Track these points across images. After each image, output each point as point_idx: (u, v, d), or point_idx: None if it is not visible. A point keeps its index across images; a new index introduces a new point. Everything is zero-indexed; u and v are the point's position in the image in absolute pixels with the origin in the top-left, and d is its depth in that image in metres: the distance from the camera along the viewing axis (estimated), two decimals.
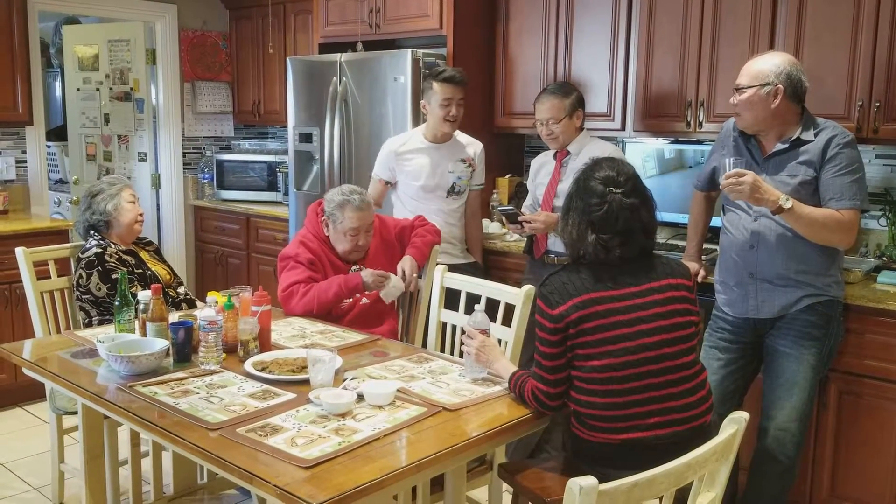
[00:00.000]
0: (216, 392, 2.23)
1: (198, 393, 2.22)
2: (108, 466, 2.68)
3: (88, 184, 3.76)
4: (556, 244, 3.36)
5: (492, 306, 2.70)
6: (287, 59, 4.69)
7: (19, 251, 3.16)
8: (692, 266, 3.00)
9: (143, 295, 2.61)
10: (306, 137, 4.57)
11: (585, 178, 2.16)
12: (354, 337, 2.81)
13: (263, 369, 2.36)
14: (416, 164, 3.62)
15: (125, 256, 3.17)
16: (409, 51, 3.97)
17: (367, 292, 3.09)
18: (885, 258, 3.22)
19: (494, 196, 4.27)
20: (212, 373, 2.37)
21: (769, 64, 2.59)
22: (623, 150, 3.80)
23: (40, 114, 4.92)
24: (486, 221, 4.06)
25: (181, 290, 3.32)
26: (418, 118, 3.81)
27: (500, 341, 2.69)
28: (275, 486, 1.70)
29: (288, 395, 2.20)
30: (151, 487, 3.01)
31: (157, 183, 5.77)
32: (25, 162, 4.97)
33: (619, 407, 2.03)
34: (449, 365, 2.52)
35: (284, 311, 3.04)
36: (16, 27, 4.47)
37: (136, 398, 2.19)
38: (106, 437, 2.65)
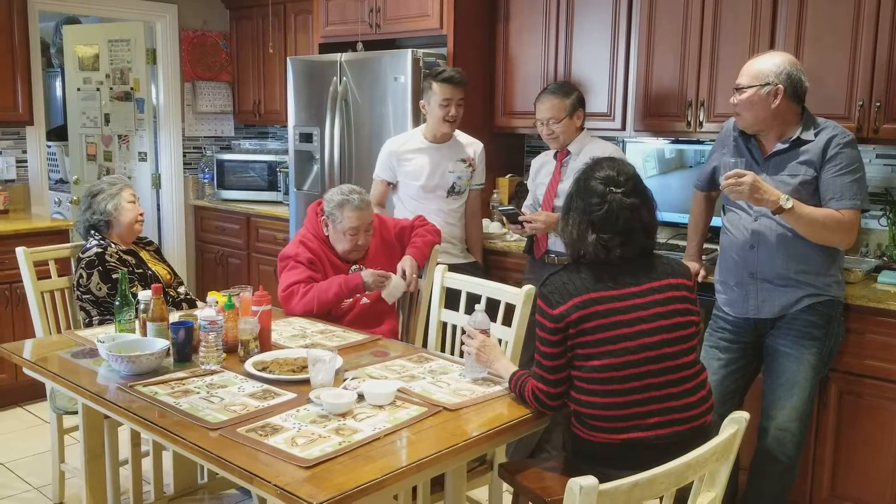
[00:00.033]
0: (216, 392, 2.23)
1: (198, 393, 2.22)
2: (109, 466, 2.68)
3: (89, 184, 3.75)
4: (556, 244, 3.36)
5: (492, 306, 2.70)
6: (287, 58, 4.69)
7: (20, 251, 3.16)
8: (692, 266, 3.00)
9: (144, 295, 2.61)
10: (307, 137, 4.57)
11: (586, 178, 2.16)
12: (355, 337, 2.81)
13: (264, 369, 2.36)
14: (416, 164, 3.62)
15: (125, 256, 3.17)
16: (410, 51, 3.97)
17: (367, 292, 3.09)
18: (885, 258, 3.22)
19: (495, 196, 4.27)
20: (212, 373, 2.37)
21: (769, 64, 2.59)
22: (623, 149, 3.80)
23: (41, 114, 4.92)
24: (486, 221, 4.06)
25: (181, 289, 3.32)
26: (418, 118, 3.81)
27: (500, 341, 2.69)
28: (275, 485, 1.70)
29: (288, 395, 2.20)
30: (152, 487, 3.01)
31: (157, 183, 5.77)
32: (26, 162, 4.97)
33: (619, 407, 2.03)
34: (449, 365, 2.52)
35: (284, 311, 3.04)
36: (16, 27, 4.47)
37: (137, 398, 2.19)
38: (106, 436, 2.65)
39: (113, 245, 3.17)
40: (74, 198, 5.81)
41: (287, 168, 5.03)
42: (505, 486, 2.54)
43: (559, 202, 3.10)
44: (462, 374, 2.41)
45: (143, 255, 3.29)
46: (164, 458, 3.04)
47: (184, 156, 5.80)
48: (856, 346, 2.87)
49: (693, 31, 3.46)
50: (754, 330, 2.74)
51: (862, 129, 3.02)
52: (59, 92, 7.20)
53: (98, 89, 5.81)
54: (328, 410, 2.07)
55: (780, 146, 2.64)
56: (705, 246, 3.16)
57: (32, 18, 4.75)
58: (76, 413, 2.67)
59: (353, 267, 3.13)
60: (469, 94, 3.69)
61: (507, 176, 4.34)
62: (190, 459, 2.46)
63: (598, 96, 3.79)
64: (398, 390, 2.20)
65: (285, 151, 5.36)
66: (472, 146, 3.71)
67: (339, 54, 4.34)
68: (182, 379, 2.32)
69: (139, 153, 5.76)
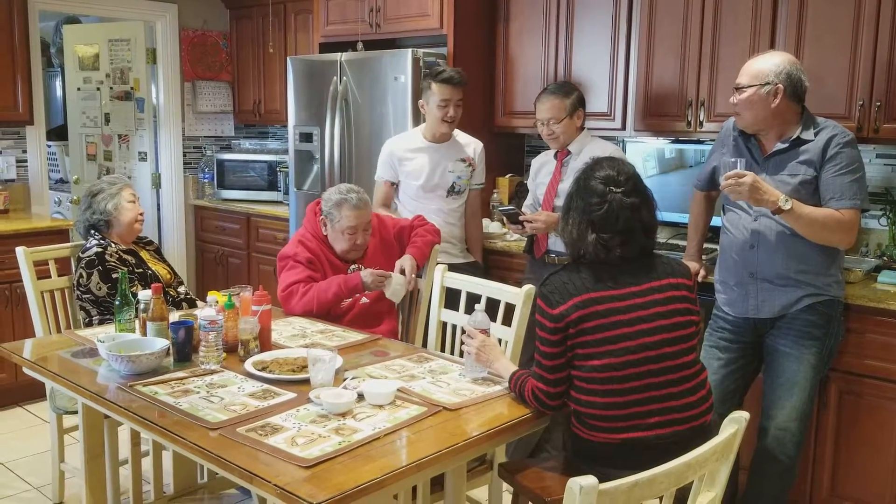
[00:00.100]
0: (216, 391, 2.23)
1: (198, 392, 2.22)
2: (109, 466, 2.68)
3: (89, 183, 3.76)
4: (556, 244, 3.36)
5: (492, 306, 2.70)
6: (287, 58, 4.69)
7: (20, 251, 3.16)
8: (692, 266, 3.00)
9: (144, 294, 2.61)
10: (307, 137, 4.57)
11: (586, 178, 2.16)
12: (355, 336, 2.81)
13: (264, 369, 2.36)
14: (415, 163, 3.62)
15: (125, 256, 3.17)
16: (410, 50, 3.97)
17: (366, 292, 3.09)
18: (885, 258, 3.22)
19: (495, 196, 4.27)
20: (212, 372, 2.37)
21: (769, 63, 2.59)
22: (623, 149, 3.80)
23: (41, 113, 4.92)
24: (486, 221, 4.06)
25: (181, 289, 3.32)
26: (419, 118, 3.81)
27: (500, 341, 2.69)
28: (275, 485, 1.70)
29: (288, 395, 2.20)
30: (152, 487, 3.01)
31: (157, 182, 5.77)
32: (26, 161, 4.97)
33: (619, 406, 2.03)
34: (449, 364, 2.52)
35: (284, 311, 3.04)
36: (16, 27, 4.47)
37: (137, 398, 2.19)
38: (106, 436, 2.65)
39: (113, 245, 3.17)
40: (74, 197, 5.81)
41: (287, 168, 5.03)
42: (505, 485, 2.54)
43: (559, 202, 3.10)
44: (462, 373, 2.41)
45: (143, 254, 3.29)
46: (164, 458, 3.04)
47: (184, 155, 5.80)
48: (856, 346, 2.87)
49: (693, 30, 3.45)
50: (754, 330, 2.74)
51: (862, 128, 3.02)
52: (59, 91, 7.20)
53: (98, 89, 5.81)
54: (328, 410, 2.07)
55: (779, 146, 2.64)
56: (705, 246, 3.16)
57: (32, 18, 4.75)
58: (76, 413, 2.67)
59: (352, 267, 3.13)
60: (469, 93, 3.69)
61: (508, 176, 4.34)
62: (190, 459, 2.45)
63: (599, 96, 3.79)
64: (398, 390, 2.20)
65: (285, 151, 5.36)
66: (472, 146, 3.71)
67: (340, 54, 4.34)
68: (182, 379, 2.32)
69: (139, 153, 5.76)
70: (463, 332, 2.44)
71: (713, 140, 3.08)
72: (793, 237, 2.59)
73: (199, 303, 3.26)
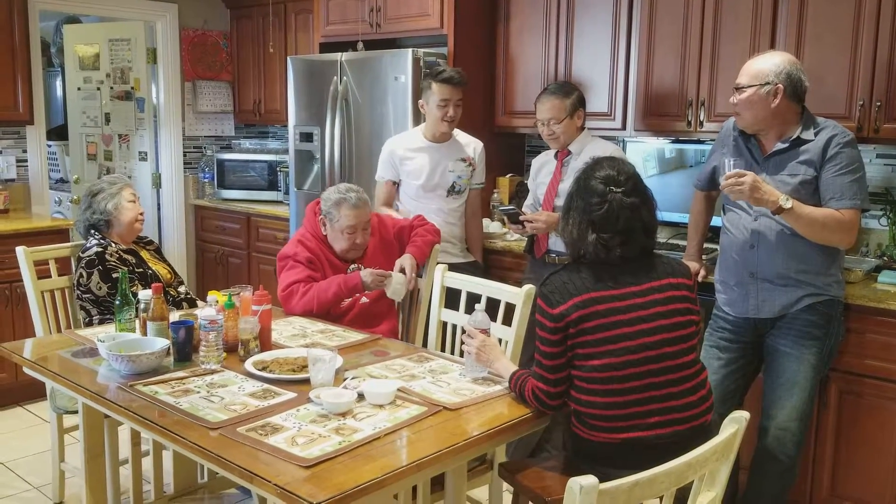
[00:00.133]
0: (217, 391, 2.23)
1: (198, 392, 2.22)
2: (109, 466, 2.68)
3: (89, 183, 3.76)
4: (557, 244, 3.36)
5: (492, 306, 2.70)
6: (288, 58, 4.69)
7: (20, 250, 3.16)
8: (693, 265, 3.00)
9: (144, 294, 2.61)
10: (307, 137, 4.57)
11: (586, 178, 2.16)
12: (355, 336, 2.81)
13: (264, 368, 2.36)
14: (416, 163, 3.62)
15: (126, 256, 3.17)
16: (410, 50, 3.97)
17: (366, 292, 3.09)
18: (885, 258, 3.22)
19: (495, 195, 4.27)
20: (212, 372, 2.37)
21: (769, 63, 2.59)
22: (624, 149, 3.80)
23: (41, 113, 4.92)
24: (486, 221, 4.06)
25: (182, 289, 3.32)
26: (419, 118, 3.81)
27: (500, 341, 2.69)
28: (275, 485, 1.70)
29: (288, 395, 2.20)
30: (152, 487, 3.01)
31: (157, 182, 5.77)
32: (26, 161, 4.97)
33: (619, 406, 2.03)
34: (449, 364, 2.52)
35: (284, 311, 3.04)
36: (16, 26, 4.47)
37: (137, 397, 2.19)
38: (106, 436, 2.65)
39: (113, 244, 3.17)
40: (75, 197, 5.81)
41: (287, 167, 5.03)
42: (505, 485, 2.55)
43: (560, 202, 3.10)
44: (462, 373, 2.41)
45: (144, 254, 3.29)
46: (165, 458, 3.04)
47: (184, 155, 5.80)
48: (856, 346, 2.87)
49: (693, 30, 3.45)
50: (754, 329, 2.74)
51: (862, 128, 3.02)
52: (59, 91, 7.20)
53: (98, 89, 5.81)
54: (328, 410, 2.07)
55: (779, 146, 2.64)
56: (705, 245, 3.16)
57: (33, 18, 4.75)
58: (76, 412, 2.68)
59: (352, 266, 3.13)
60: (469, 93, 3.68)
61: (508, 175, 4.34)
62: (190, 459, 2.45)
63: (599, 96, 3.79)
64: (398, 390, 2.20)
65: (285, 151, 5.36)
66: (472, 145, 3.71)
67: (340, 54, 4.34)
68: (182, 378, 2.32)
69: (139, 153, 5.76)
70: (463, 331, 2.44)
71: (713, 140, 3.08)
72: (793, 237, 2.59)
73: (199, 302, 3.26)
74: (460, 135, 3.70)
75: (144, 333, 2.57)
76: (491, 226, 4.10)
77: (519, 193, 4.27)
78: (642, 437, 2.03)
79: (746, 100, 2.60)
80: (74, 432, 2.99)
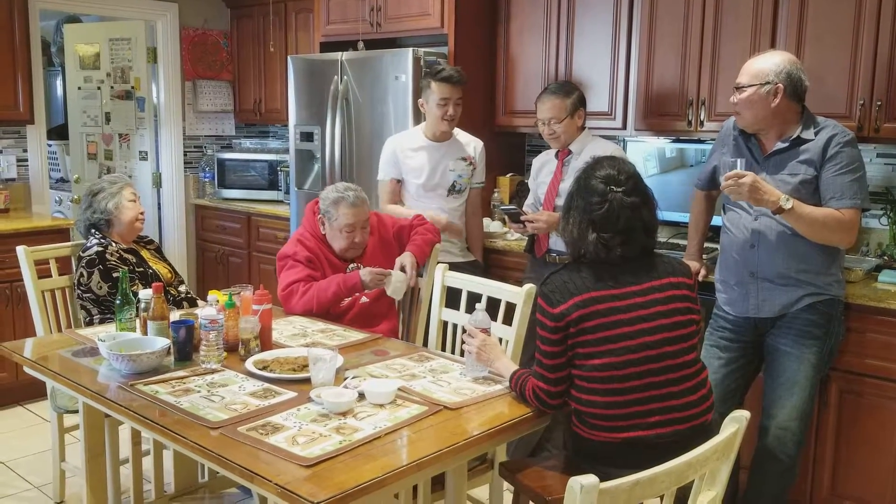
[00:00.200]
0: (217, 391, 2.23)
1: (199, 391, 2.22)
2: (109, 465, 2.68)
3: (89, 182, 3.75)
4: (557, 243, 3.36)
5: (493, 305, 2.71)
6: (288, 57, 4.69)
7: (20, 250, 3.16)
8: (693, 265, 3.00)
9: (144, 293, 2.61)
10: (307, 136, 4.57)
11: (586, 177, 2.16)
12: (355, 335, 2.81)
13: (264, 368, 2.36)
14: (416, 161, 3.62)
15: (126, 255, 3.17)
16: (411, 49, 3.97)
17: (365, 291, 3.09)
18: (886, 257, 3.22)
19: (496, 195, 4.27)
20: (213, 371, 2.38)
21: (769, 63, 2.59)
22: (624, 148, 3.80)
23: (41, 112, 4.92)
24: (486, 220, 4.06)
25: (182, 288, 3.32)
26: (419, 117, 3.81)
27: (500, 340, 2.69)
28: (276, 484, 1.70)
29: (289, 394, 2.20)
30: (152, 486, 3.01)
31: (158, 182, 5.77)
32: (26, 161, 4.97)
33: (619, 406, 2.03)
34: (450, 364, 2.52)
35: (285, 311, 3.04)
36: (17, 26, 4.47)
37: (137, 397, 2.19)
38: (107, 435, 2.65)
39: (113, 244, 3.17)
40: (75, 197, 5.81)
41: (288, 167, 5.03)
42: (505, 484, 2.55)
43: (560, 201, 3.10)
44: (463, 372, 2.41)
45: (144, 253, 3.29)
46: (165, 457, 3.05)
47: (184, 155, 5.80)
48: (856, 346, 2.87)
49: (694, 30, 3.45)
50: (755, 329, 2.74)
51: (863, 128, 3.02)
52: (59, 91, 7.20)
53: (99, 88, 5.81)
54: (329, 409, 2.07)
55: (780, 145, 2.64)
56: (706, 245, 3.16)
57: (33, 17, 4.75)
58: (77, 412, 2.68)
59: (351, 266, 3.13)
60: (470, 92, 3.68)
61: (508, 175, 4.34)
62: (191, 458, 2.45)
63: (599, 95, 3.79)
64: (399, 389, 2.20)
65: (286, 150, 5.36)
66: (473, 144, 3.71)
67: (340, 53, 4.34)
68: (183, 378, 2.32)
69: (140, 152, 5.76)
70: (464, 331, 2.44)
71: (714, 139, 3.08)
72: (793, 237, 2.59)
73: (199, 302, 3.26)
74: (461, 134, 3.70)
75: (145, 333, 2.57)
76: (491, 225, 4.10)
77: (519, 193, 4.27)
78: (643, 436, 2.03)
79: (747, 99, 2.60)
80: (75, 432, 2.99)
